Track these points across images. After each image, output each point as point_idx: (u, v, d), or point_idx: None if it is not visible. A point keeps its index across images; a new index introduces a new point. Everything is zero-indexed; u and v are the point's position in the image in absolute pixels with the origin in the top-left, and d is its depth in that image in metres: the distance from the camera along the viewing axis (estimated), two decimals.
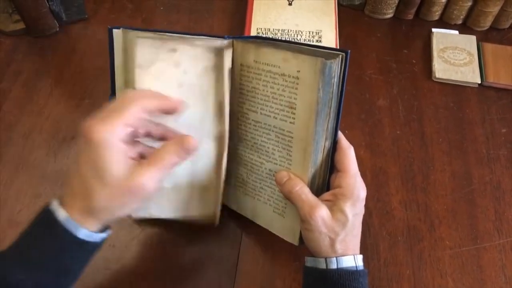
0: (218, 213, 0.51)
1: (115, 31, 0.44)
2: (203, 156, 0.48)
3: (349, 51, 0.41)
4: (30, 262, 0.36)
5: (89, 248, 0.38)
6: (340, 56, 0.41)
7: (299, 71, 0.42)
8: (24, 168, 0.59)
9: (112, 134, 0.35)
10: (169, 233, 0.54)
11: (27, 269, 0.36)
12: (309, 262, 0.44)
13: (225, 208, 0.54)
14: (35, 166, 0.59)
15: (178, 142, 0.39)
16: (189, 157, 0.40)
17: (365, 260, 0.44)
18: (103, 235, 0.39)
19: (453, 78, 0.70)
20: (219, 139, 0.48)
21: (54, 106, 0.65)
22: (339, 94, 0.43)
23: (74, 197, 0.37)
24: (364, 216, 0.56)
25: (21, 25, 0.71)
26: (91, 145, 0.35)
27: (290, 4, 0.76)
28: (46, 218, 0.37)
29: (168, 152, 0.38)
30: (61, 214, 0.36)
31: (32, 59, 0.70)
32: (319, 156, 0.44)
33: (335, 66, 0.41)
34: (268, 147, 0.47)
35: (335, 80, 0.42)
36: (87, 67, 0.69)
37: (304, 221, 0.43)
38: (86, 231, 0.37)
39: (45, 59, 0.70)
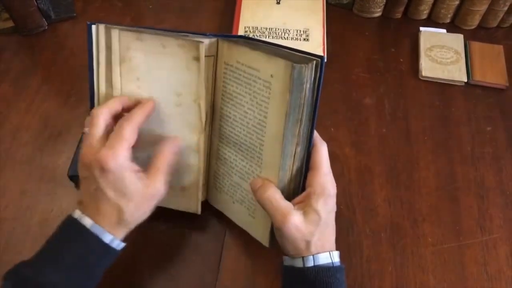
0: (199, 204, 0.52)
1: (93, 26, 0.44)
2: (184, 147, 0.49)
3: (324, 56, 0.41)
4: (61, 264, 0.40)
5: (111, 253, 0.42)
6: (314, 61, 0.40)
7: (272, 75, 0.42)
8: (11, 165, 0.59)
9: (123, 159, 0.41)
10: (153, 227, 0.55)
11: (59, 271, 0.40)
12: (286, 261, 0.45)
13: (208, 204, 0.54)
14: (22, 162, 0.60)
15: (169, 145, 0.46)
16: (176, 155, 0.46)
17: (342, 256, 0.44)
18: (122, 244, 0.43)
19: (439, 76, 0.70)
20: (199, 131, 0.49)
21: (42, 103, 0.65)
22: (313, 101, 0.42)
23: (106, 217, 0.42)
24: (348, 213, 0.57)
25: (9, 23, 0.71)
26: (110, 173, 0.41)
27: (278, 3, 0.76)
28: (72, 226, 0.42)
29: (164, 155, 0.45)
30: (88, 221, 0.41)
31: (21, 57, 0.70)
32: (287, 161, 0.44)
33: (307, 71, 0.40)
34: (243, 149, 0.48)
35: (308, 85, 0.41)
36: (74, 65, 0.69)
37: (277, 228, 0.43)
38: (111, 236, 0.42)
39: (34, 57, 0.70)
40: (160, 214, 0.52)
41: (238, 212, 0.51)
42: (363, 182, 0.60)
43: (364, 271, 0.53)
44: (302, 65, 0.40)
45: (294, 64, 0.40)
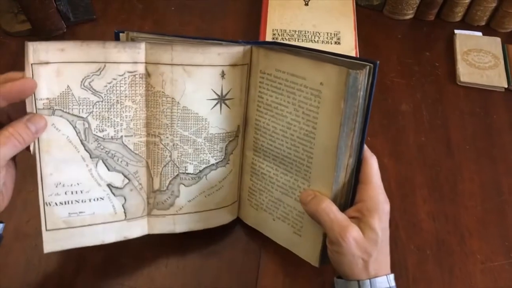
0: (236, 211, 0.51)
1: (121, 35, 0.42)
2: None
3: (377, 62, 0.38)
4: None
5: None
6: (368, 67, 0.38)
7: (322, 83, 0.39)
8: (32, 176, 0.56)
9: None
10: (188, 247, 0.51)
11: None
12: (339, 285, 0.41)
13: (241, 221, 0.51)
14: None
15: (26, 120, 0.39)
16: (36, 135, 0.40)
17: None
18: None
19: (478, 82, 0.67)
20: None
21: None
22: (365, 109, 0.39)
23: None
24: (390, 228, 0.53)
25: (27, 26, 0.68)
26: None
27: (306, 4, 0.73)
28: None
29: (12, 127, 0.38)
30: None
31: None
32: (341, 174, 0.41)
33: (362, 77, 0.37)
34: (286, 162, 0.44)
35: (361, 93, 0.38)
36: None
37: (334, 243, 0.39)
38: None
39: None
40: (194, 233, 0.49)
41: (280, 230, 0.47)
42: (404, 194, 0.57)
43: None
44: (358, 71, 0.37)
45: (350, 70, 0.37)
